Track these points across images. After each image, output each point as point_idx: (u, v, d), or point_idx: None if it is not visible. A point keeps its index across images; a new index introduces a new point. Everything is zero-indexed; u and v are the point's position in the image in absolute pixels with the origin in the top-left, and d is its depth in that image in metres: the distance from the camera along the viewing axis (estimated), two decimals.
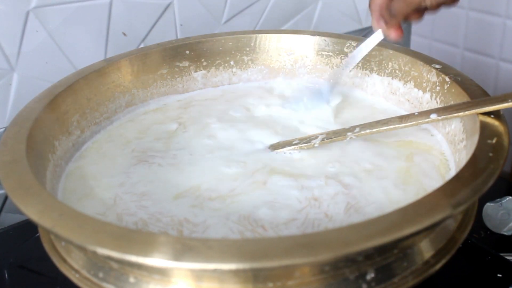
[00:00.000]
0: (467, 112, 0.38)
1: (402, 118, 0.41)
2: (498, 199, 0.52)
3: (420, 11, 0.41)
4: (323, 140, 0.42)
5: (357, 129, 0.42)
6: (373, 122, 0.42)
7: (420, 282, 0.31)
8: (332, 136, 0.43)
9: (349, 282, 0.29)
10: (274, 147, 0.43)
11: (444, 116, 0.39)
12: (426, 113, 0.40)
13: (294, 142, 0.43)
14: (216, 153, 0.43)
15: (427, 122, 0.40)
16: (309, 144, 0.42)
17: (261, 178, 0.39)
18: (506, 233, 0.52)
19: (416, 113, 0.41)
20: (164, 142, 0.45)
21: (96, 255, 0.28)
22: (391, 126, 0.41)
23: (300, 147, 0.42)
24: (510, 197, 0.52)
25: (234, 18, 0.66)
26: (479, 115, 0.36)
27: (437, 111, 0.40)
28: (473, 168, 0.31)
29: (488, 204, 0.52)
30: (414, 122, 0.40)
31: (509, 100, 0.36)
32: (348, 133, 0.42)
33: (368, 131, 0.42)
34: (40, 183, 0.31)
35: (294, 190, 0.38)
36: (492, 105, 0.36)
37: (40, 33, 0.53)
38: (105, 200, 0.38)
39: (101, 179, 0.40)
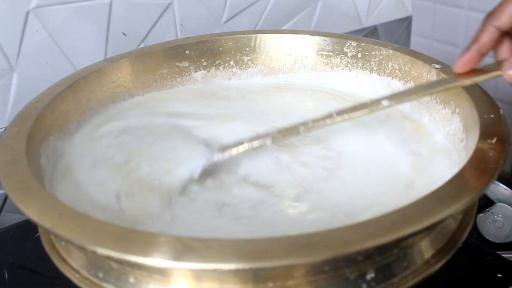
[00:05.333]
0: (419, 94, 0.38)
1: (355, 108, 0.39)
2: (488, 208, 0.52)
3: None
4: (274, 138, 0.40)
5: (309, 123, 0.40)
6: (326, 113, 0.40)
7: (420, 282, 0.31)
8: (285, 133, 0.40)
9: (349, 282, 0.29)
10: (223, 148, 0.41)
11: (397, 100, 0.38)
12: (378, 101, 0.39)
13: (243, 143, 0.41)
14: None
15: (380, 109, 0.39)
16: (260, 141, 0.40)
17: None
18: (506, 241, 0.51)
19: (368, 101, 0.39)
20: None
21: (96, 255, 0.28)
22: (345, 115, 0.39)
23: (250, 147, 0.40)
24: (499, 203, 0.52)
25: (234, 18, 0.66)
26: (479, 116, 0.36)
27: (390, 97, 0.39)
28: (473, 168, 0.31)
29: (479, 215, 0.52)
30: (367, 110, 0.39)
31: (458, 80, 0.37)
32: (301, 127, 0.40)
33: (321, 122, 0.39)
34: (40, 183, 0.31)
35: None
36: (441, 86, 0.38)
37: (40, 33, 0.53)
38: (104, 197, 0.38)
39: (99, 176, 0.40)
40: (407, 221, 0.26)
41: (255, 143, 0.40)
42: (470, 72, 0.37)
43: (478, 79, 0.37)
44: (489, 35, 0.36)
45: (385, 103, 0.38)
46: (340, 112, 0.39)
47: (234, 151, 0.40)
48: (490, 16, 0.36)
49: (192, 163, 0.41)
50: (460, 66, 0.37)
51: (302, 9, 0.72)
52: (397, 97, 0.39)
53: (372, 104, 0.39)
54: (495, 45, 0.37)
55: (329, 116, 0.39)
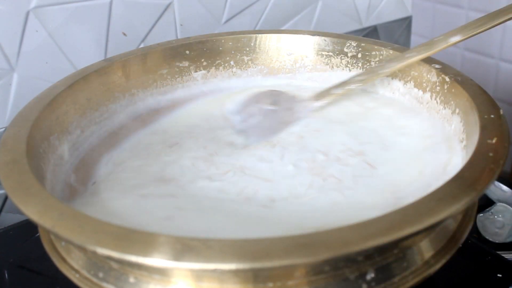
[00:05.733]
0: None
1: (428, 46, 0.42)
2: (488, 208, 0.52)
3: None
4: (361, 80, 0.45)
5: (387, 65, 0.44)
6: (400, 54, 0.44)
7: (420, 282, 0.31)
8: (366, 76, 0.45)
9: (349, 282, 0.29)
10: (319, 96, 0.46)
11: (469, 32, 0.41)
12: (448, 37, 0.41)
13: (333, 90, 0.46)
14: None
15: (452, 44, 0.41)
16: (348, 88, 0.46)
17: None
18: (506, 241, 0.51)
19: (436, 38, 0.41)
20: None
21: (96, 255, 0.28)
22: (421, 55, 0.43)
23: (341, 93, 0.46)
24: (499, 203, 0.52)
25: (234, 18, 0.66)
26: (479, 116, 0.36)
27: (461, 31, 0.41)
28: (473, 168, 0.31)
29: (479, 215, 0.52)
30: (437, 48, 0.41)
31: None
32: (381, 71, 0.45)
33: (397, 63, 0.44)
34: (40, 183, 0.31)
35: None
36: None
37: (40, 33, 0.53)
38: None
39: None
40: (407, 221, 0.26)
41: (348, 86, 0.46)
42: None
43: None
44: None
45: (455, 38, 0.40)
46: (414, 53, 0.43)
47: (330, 97, 0.46)
48: None
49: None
50: None
51: (302, 9, 0.72)
52: (467, 30, 0.40)
53: (442, 41, 0.41)
54: None
55: (402, 57, 0.44)
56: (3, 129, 0.54)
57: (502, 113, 0.36)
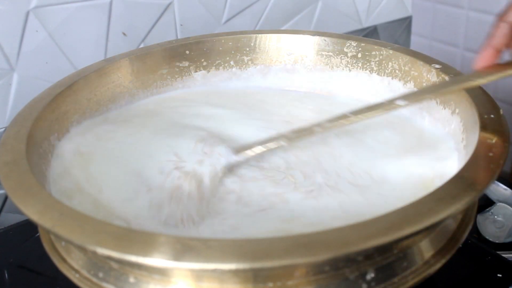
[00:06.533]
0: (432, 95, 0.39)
1: (370, 108, 0.40)
2: (488, 208, 0.52)
3: None
4: (289, 139, 0.41)
5: (325, 124, 0.40)
6: (342, 114, 0.41)
7: (420, 282, 0.31)
8: (300, 134, 0.41)
9: (349, 282, 0.29)
10: (239, 150, 0.41)
11: (412, 100, 0.39)
12: (393, 100, 0.39)
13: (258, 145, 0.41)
14: None
15: (395, 109, 0.39)
16: (275, 142, 0.41)
17: None
18: (506, 241, 0.51)
19: (384, 101, 0.40)
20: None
21: (96, 255, 0.28)
22: (361, 116, 0.40)
23: (266, 149, 0.41)
24: (499, 203, 0.52)
25: (234, 18, 0.66)
26: (479, 116, 0.36)
27: (405, 96, 0.40)
28: (473, 168, 0.31)
29: (479, 215, 0.52)
30: (382, 109, 0.40)
31: (473, 79, 0.37)
32: (317, 128, 0.40)
33: (337, 122, 0.40)
34: (40, 183, 0.31)
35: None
36: (456, 85, 0.38)
37: (40, 33, 0.53)
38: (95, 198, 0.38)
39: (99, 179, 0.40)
40: (407, 221, 0.26)
41: (270, 145, 0.41)
42: (487, 70, 0.38)
43: (493, 77, 0.37)
44: (501, 30, 0.37)
45: (400, 102, 0.39)
46: (355, 112, 0.40)
47: (249, 153, 0.41)
48: (501, 14, 0.37)
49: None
50: (477, 63, 0.38)
51: (302, 9, 0.72)
52: (412, 97, 0.40)
53: (388, 104, 0.40)
54: (510, 42, 0.37)
55: (344, 116, 0.40)
56: (3, 129, 0.54)
57: (502, 113, 0.36)
